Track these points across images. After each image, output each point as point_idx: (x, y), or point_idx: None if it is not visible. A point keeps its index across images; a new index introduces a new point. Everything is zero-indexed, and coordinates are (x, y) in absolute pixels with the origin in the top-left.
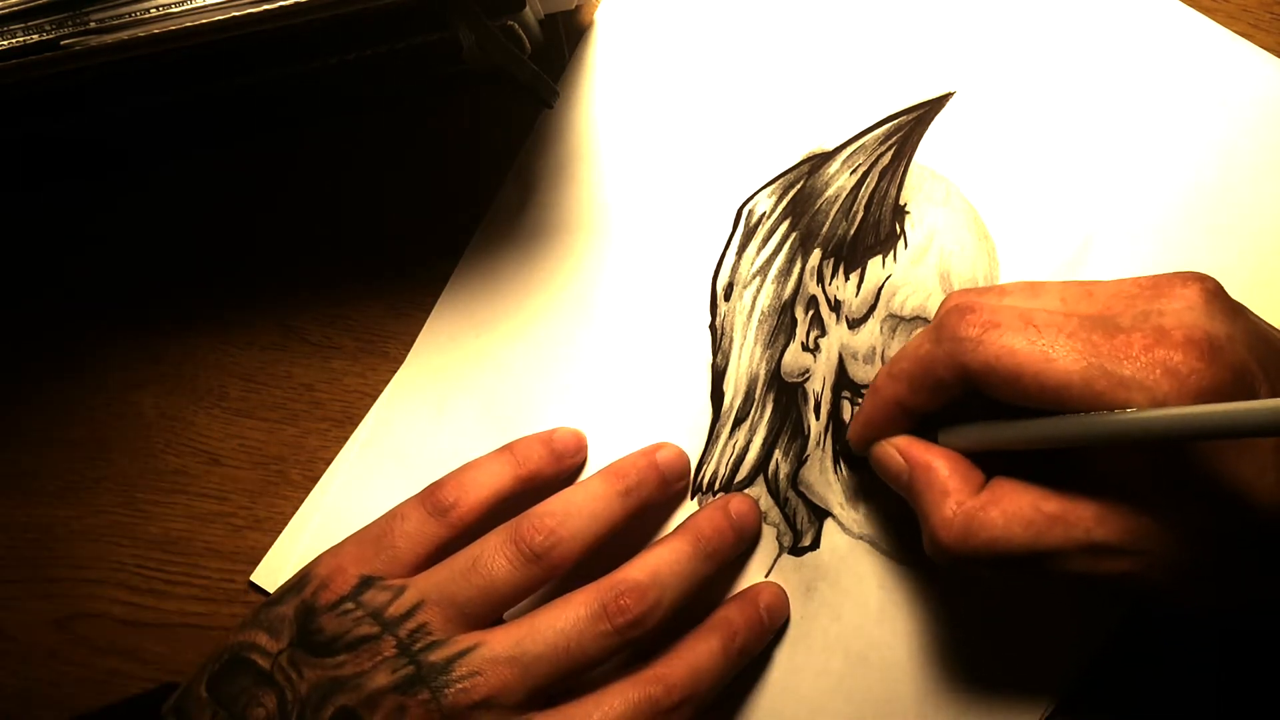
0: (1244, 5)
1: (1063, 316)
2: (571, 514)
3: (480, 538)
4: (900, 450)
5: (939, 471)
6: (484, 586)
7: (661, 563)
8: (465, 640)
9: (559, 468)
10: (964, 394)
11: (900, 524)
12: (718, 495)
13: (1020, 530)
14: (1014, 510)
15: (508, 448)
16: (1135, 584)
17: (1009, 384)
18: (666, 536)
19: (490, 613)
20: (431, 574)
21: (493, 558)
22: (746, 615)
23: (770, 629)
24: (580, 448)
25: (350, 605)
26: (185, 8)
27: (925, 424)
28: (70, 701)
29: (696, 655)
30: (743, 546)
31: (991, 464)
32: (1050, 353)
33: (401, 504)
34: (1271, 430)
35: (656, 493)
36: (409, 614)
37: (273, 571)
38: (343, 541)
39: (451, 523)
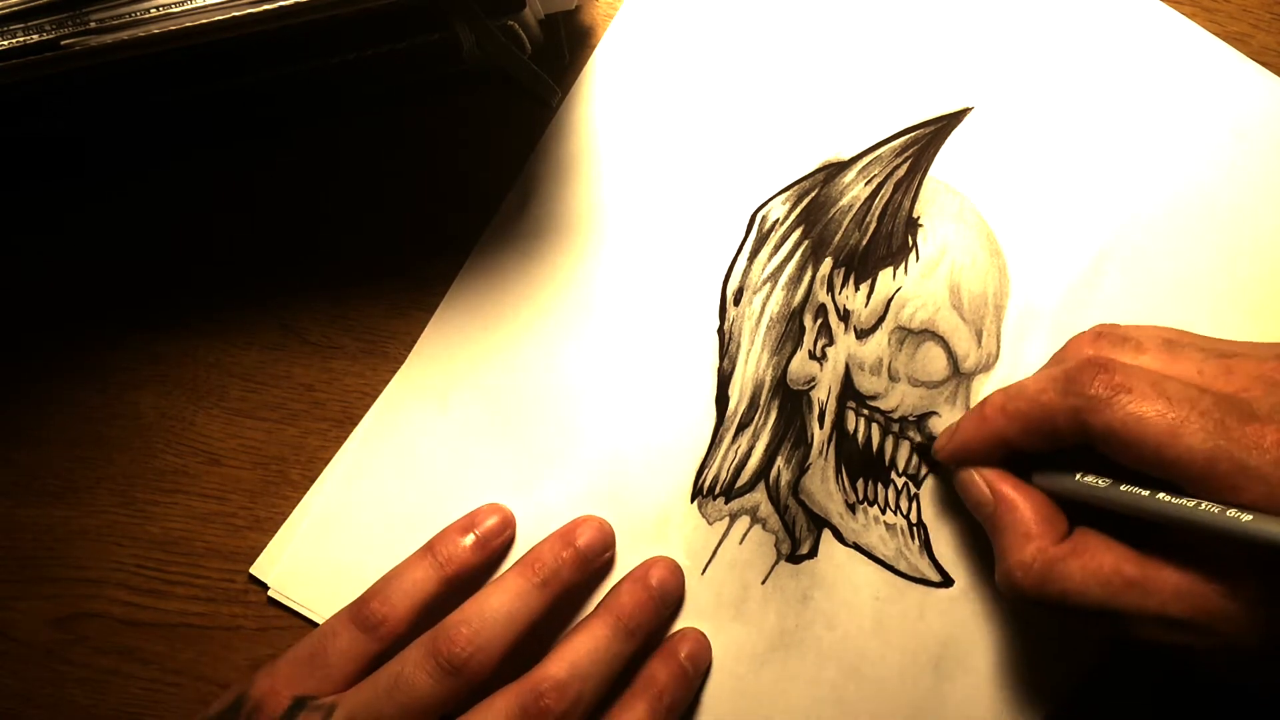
0: (1245, 5)
1: (1198, 391)
2: (487, 620)
3: (403, 650)
4: (989, 483)
5: (1024, 513)
6: (406, 704)
7: (580, 653)
8: None
9: (484, 556)
10: (1074, 443)
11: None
12: (718, 498)
13: (1097, 588)
14: (1094, 567)
15: (429, 548)
16: (1197, 659)
17: (1129, 449)
18: (587, 619)
19: None
20: (358, 691)
21: (414, 674)
22: (670, 670)
23: (696, 678)
24: (505, 526)
25: None
26: (185, 8)
27: (1020, 457)
28: (70, 701)
29: None
30: (666, 614)
31: (1077, 509)
32: (1178, 428)
33: (332, 619)
34: None
35: (576, 576)
36: None
37: (271, 564)
38: (277, 660)
39: (382, 637)
